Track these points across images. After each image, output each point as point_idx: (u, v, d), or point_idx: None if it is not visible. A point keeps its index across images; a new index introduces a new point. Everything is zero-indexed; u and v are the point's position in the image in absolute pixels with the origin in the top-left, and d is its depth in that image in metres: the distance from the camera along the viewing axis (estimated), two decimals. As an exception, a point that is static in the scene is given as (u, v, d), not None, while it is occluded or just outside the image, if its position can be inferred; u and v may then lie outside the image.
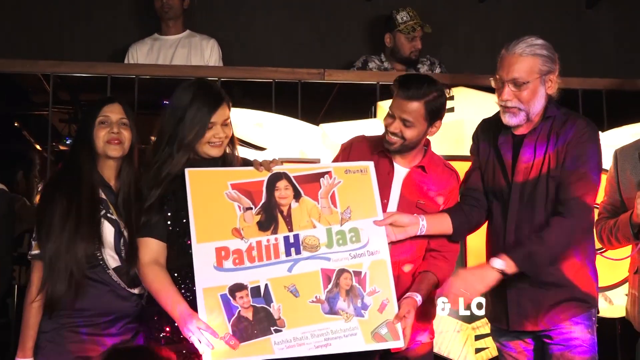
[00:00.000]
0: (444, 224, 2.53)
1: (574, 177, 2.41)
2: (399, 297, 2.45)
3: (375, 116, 3.23)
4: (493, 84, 2.50)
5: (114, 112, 2.49)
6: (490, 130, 2.66)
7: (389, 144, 2.54)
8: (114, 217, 2.46)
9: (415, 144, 2.56)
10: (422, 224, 2.50)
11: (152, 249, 2.41)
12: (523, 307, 2.49)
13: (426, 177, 2.59)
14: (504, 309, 2.51)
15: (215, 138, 2.45)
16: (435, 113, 2.52)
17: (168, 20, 4.00)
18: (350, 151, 2.66)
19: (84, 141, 2.49)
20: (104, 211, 2.46)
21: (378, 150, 2.60)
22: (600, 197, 2.74)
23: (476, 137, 2.68)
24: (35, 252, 2.39)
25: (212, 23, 4.26)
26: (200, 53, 3.97)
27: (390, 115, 2.51)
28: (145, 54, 3.93)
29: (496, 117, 2.64)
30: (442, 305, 3.17)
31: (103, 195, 2.46)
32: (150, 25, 4.18)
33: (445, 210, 2.58)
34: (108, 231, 2.43)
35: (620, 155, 2.71)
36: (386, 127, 2.53)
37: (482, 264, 2.51)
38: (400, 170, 2.59)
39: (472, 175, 2.65)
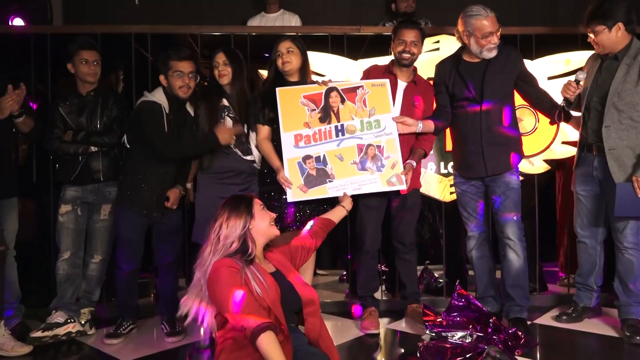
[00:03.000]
0: (430, 127, 3.15)
1: (537, 84, 3.14)
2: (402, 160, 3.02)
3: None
4: (485, 35, 2.99)
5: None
6: (448, 64, 3.22)
7: (406, 60, 3.09)
8: (232, 114, 3.08)
9: (416, 58, 3.13)
10: (419, 126, 3.08)
11: (264, 131, 3.02)
12: (495, 159, 3.06)
13: (416, 88, 3.21)
14: (482, 163, 3.05)
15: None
16: (424, 37, 3.17)
17: (271, 4, 4.79)
18: (369, 74, 3.22)
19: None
20: (226, 112, 3.06)
21: (387, 72, 3.18)
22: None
23: (438, 73, 3.26)
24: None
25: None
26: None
27: (402, 43, 3.08)
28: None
29: (451, 57, 3.24)
30: (431, 167, 3.75)
31: (226, 103, 3.07)
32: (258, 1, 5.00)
33: (430, 118, 3.14)
34: (229, 123, 3.07)
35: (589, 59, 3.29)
36: (403, 50, 3.08)
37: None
38: (401, 84, 3.18)
39: (439, 97, 3.23)
